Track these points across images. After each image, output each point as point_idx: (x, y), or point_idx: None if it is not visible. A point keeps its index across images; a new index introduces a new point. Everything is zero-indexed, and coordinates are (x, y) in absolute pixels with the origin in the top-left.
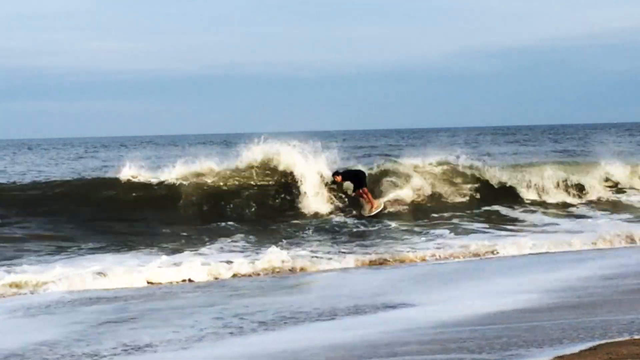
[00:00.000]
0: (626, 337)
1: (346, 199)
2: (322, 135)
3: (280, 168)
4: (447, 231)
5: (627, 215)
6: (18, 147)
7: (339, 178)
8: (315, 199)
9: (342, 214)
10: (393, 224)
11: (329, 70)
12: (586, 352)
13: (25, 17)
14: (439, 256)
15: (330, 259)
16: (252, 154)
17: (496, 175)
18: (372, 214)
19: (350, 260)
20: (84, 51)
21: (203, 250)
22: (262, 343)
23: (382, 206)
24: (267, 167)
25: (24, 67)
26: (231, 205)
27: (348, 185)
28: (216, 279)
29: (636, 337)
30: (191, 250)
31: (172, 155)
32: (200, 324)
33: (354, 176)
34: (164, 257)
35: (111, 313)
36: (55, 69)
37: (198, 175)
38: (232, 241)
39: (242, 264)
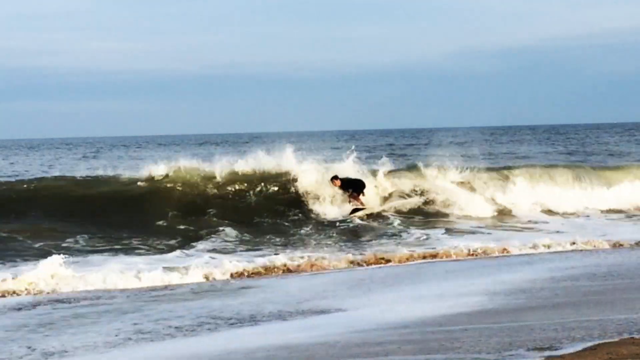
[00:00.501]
0: (626, 337)
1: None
2: (322, 135)
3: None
4: (442, 231)
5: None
6: (20, 148)
7: (337, 183)
8: (316, 201)
9: (339, 216)
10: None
11: (329, 70)
12: (586, 352)
13: (25, 17)
14: (418, 255)
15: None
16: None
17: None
18: (355, 214)
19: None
20: (84, 51)
21: (190, 251)
22: (175, 349)
23: (369, 211)
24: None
25: (24, 67)
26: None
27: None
28: (208, 279)
29: (636, 337)
30: (181, 250)
31: (175, 156)
32: (117, 329)
33: (353, 184)
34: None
35: (33, 318)
36: (55, 69)
37: (204, 176)
38: (223, 241)
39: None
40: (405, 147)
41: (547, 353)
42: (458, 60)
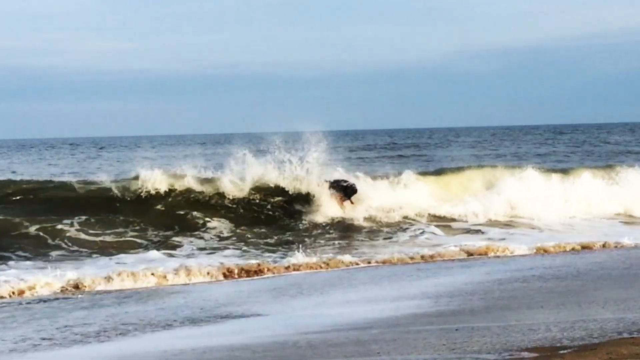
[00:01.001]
0: (626, 337)
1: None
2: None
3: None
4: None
5: None
6: (20, 148)
7: (326, 185)
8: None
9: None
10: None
11: (329, 70)
12: (586, 352)
13: (26, 17)
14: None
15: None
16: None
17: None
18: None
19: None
20: (84, 51)
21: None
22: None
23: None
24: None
25: (24, 67)
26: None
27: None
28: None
29: (636, 337)
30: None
31: (178, 157)
32: (22, 335)
33: (343, 188)
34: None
35: None
36: (56, 69)
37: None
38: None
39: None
40: (410, 147)
41: (548, 353)
42: (458, 60)
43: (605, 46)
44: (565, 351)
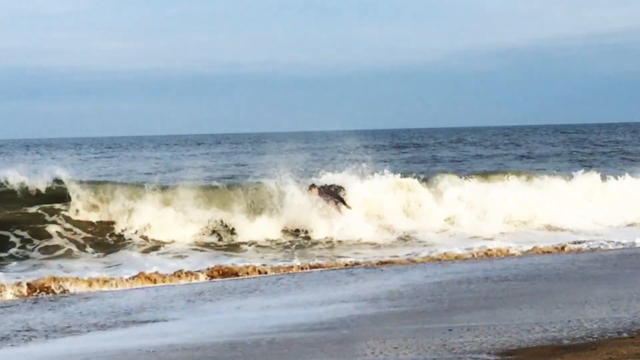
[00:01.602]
0: (626, 337)
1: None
2: (322, 135)
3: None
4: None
5: None
6: (20, 147)
7: (314, 191)
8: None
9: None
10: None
11: (329, 70)
12: (586, 351)
13: (26, 17)
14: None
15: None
16: None
17: None
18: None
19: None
20: (84, 51)
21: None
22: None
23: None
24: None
25: (24, 67)
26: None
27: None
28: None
29: (636, 337)
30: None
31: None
32: None
33: (332, 193)
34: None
35: None
36: (56, 69)
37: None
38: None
39: None
40: (412, 147)
41: (547, 353)
42: (459, 60)
43: (605, 46)
44: (565, 351)
